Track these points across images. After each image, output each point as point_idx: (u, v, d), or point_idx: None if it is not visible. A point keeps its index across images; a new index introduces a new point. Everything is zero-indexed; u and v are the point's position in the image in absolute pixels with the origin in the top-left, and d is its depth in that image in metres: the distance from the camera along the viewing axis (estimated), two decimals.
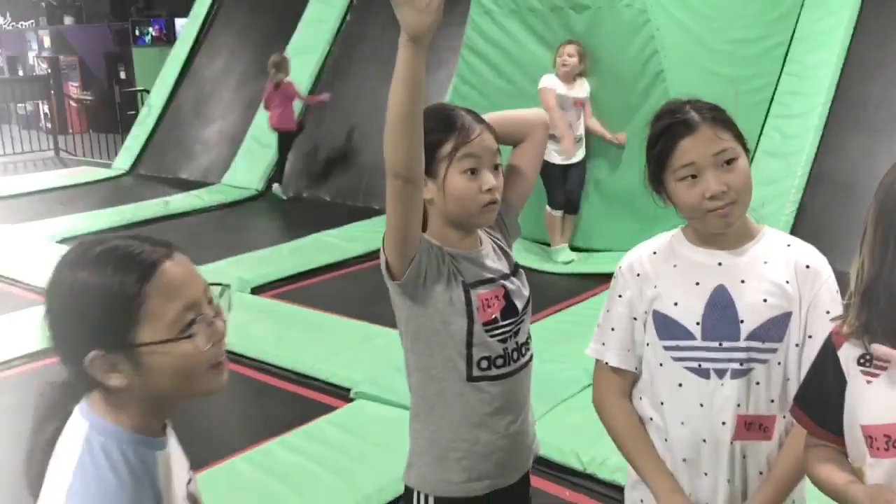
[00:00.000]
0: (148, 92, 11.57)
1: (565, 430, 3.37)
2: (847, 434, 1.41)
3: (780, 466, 1.63)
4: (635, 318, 1.71)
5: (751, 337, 1.61)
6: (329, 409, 3.84)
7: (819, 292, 1.62)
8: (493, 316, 1.75)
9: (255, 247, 6.47)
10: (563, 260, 5.79)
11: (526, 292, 1.83)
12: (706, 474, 1.66)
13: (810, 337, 1.61)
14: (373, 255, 5.49)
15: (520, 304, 1.80)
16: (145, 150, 10.59)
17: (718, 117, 1.62)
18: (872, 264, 1.34)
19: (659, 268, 1.70)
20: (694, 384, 1.64)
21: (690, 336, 1.64)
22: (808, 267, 1.63)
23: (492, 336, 1.75)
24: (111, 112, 14.74)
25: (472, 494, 1.79)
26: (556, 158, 5.60)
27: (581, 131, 5.77)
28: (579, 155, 5.79)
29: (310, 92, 8.82)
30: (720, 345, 1.62)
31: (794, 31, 6.26)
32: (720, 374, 1.62)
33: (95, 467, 1.13)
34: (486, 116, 1.79)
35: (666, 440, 1.69)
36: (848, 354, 1.40)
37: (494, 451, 1.79)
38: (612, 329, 1.73)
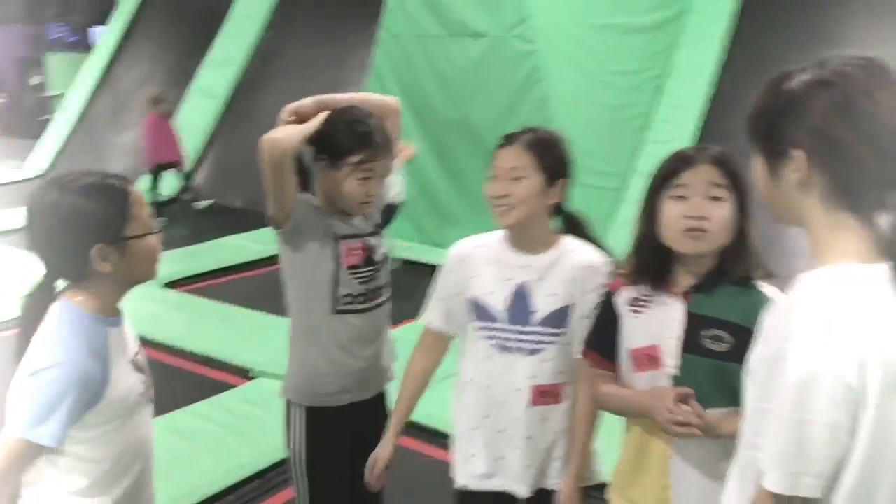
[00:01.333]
0: (64, 96, 11.71)
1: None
2: (622, 359, 1.89)
3: (577, 434, 2.05)
4: (458, 294, 2.10)
5: (542, 323, 2.02)
6: (232, 387, 4.26)
7: (596, 285, 2.01)
8: (356, 262, 2.20)
9: (168, 247, 6.77)
10: None
11: (384, 248, 2.30)
12: (502, 431, 2.05)
13: (587, 318, 2.00)
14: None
15: (377, 257, 2.26)
16: (61, 154, 10.75)
17: (531, 141, 2.00)
18: (640, 227, 1.84)
19: (481, 261, 2.08)
20: (499, 357, 2.04)
21: (498, 320, 2.04)
22: (589, 266, 2.04)
23: (354, 278, 2.20)
24: (23, 116, 14.72)
25: (333, 404, 2.24)
26: None
27: None
28: None
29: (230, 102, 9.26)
30: (520, 329, 2.03)
31: (668, 66, 6.98)
32: (519, 351, 2.02)
33: (63, 331, 1.63)
34: (349, 97, 2.24)
35: (476, 400, 2.08)
36: (623, 298, 1.89)
37: (353, 371, 2.23)
38: (442, 300, 2.14)
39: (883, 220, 1.25)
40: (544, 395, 2.05)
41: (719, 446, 1.76)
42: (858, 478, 1.24)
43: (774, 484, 1.24)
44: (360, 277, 2.22)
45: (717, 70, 6.91)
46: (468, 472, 2.12)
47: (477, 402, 2.08)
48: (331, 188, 2.18)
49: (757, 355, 1.32)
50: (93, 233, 1.63)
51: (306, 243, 2.18)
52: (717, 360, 1.75)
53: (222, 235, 7.31)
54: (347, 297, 2.21)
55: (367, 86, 7.18)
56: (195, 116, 9.55)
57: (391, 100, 2.35)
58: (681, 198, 1.76)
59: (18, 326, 1.69)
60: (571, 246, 2.09)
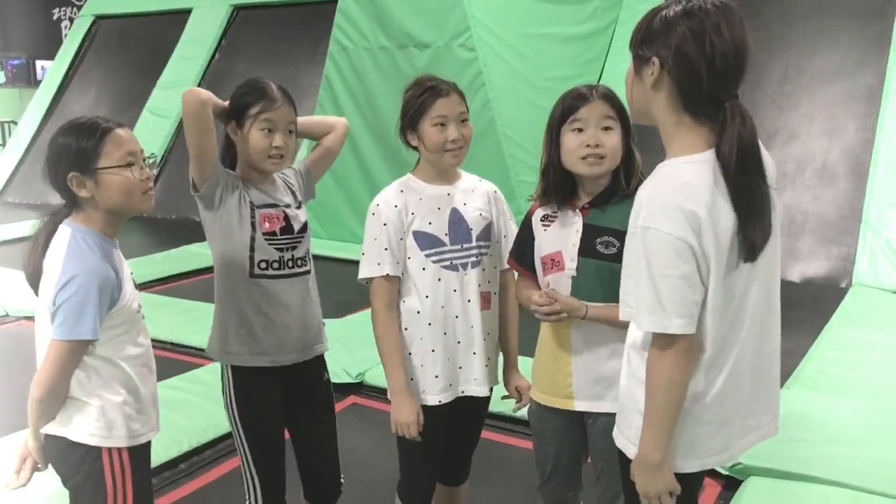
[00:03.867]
0: (15, 123, 11.82)
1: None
2: (536, 266, 2.23)
3: (513, 332, 2.44)
4: (401, 239, 2.28)
5: (478, 238, 2.33)
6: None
7: (503, 208, 2.40)
8: (273, 229, 2.31)
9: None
10: None
11: (303, 219, 2.40)
12: (459, 342, 2.31)
13: (505, 237, 2.38)
14: None
15: (297, 227, 2.37)
16: (12, 180, 10.86)
17: (460, 91, 2.30)
18: (546, 154, 2.16)
19: (409, 201, 2.29)
20: (449, 277, 2.29)
21: (443, 244, 2.29)
22: (495, 192, 2.41)
23: (270, 244, 2.30)
24: None
25: (251, 364, 2.32)
26: None
27: None
28: None
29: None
30: (462, 247, 2.31)
31: (601, 71, 7.46)
32: (465, 266, 2.30)
33: (79, 247, 1.86)
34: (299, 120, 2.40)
35: (430, 324, 2.29)
36: (537, 216, 2.23)
37: (270, 334, 2.30)
38: (386, 249, 2.26)
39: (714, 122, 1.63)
40: (484, 300, 2.34)
41: (606, 340, 2.11)
42: (717, 318, 1.63)
43: (650, 326, 1.63)
44: (276, 245, 2.32)
45: None
46: (436, 389, 2.31)
47: (434, 323, 2.29)
48: (243, 150, 2.31)
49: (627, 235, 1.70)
50: (66, 163, 1.87)
51: (224, 209, 2.27)
52: (606, 261, 2.10)
53: (182, 245, 7.56)
54: (263, 262, 2.30)
55: (319, 97, 7.52)
56: (149, 135, 9.77)
57: (334, 118, 2.62)
58: (579, 130, 2.09)
59: (31, 241, 1.93)
60: (472, 177, 2.43)
